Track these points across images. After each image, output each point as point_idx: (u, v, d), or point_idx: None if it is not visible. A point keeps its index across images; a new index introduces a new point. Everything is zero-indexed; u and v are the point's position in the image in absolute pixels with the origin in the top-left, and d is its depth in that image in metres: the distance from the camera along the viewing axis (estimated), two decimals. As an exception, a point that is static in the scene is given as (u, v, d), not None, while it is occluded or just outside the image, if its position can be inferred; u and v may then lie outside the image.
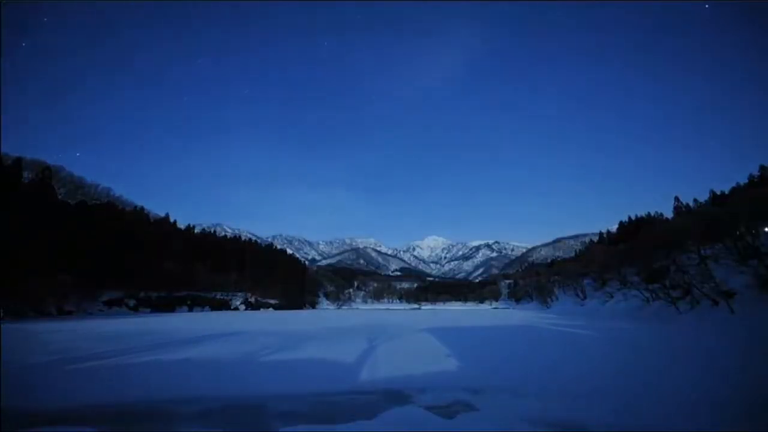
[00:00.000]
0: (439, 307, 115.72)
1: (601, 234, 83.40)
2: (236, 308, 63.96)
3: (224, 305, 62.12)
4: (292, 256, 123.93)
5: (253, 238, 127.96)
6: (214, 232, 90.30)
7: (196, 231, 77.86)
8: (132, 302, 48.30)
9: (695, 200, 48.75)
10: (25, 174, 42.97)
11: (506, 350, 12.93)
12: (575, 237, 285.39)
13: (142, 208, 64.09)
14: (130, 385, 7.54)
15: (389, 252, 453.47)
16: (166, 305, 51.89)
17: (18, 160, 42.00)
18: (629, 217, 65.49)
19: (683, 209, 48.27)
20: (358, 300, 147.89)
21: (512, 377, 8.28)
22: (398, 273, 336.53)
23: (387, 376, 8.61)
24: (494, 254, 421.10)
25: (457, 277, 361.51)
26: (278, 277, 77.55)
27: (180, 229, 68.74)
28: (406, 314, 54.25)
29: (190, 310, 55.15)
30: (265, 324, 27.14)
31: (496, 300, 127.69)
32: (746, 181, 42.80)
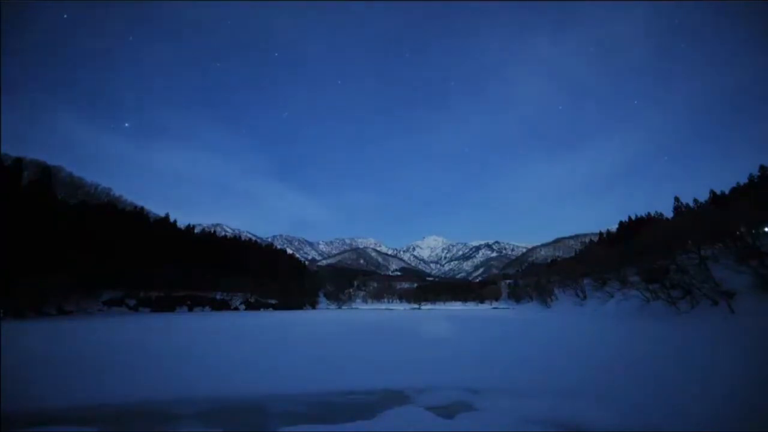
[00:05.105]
0: (440, 307, 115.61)
1: (601, 234, 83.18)
2: (236, 308, 63.91)
3: (224, 305, 62.06)
4: (292, 256, 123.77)
5: (253, 238, 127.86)
6: (214, 232, 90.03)
7: (196, 231, 77.76)
8: (132, 302, 48.29)
9: (695, 200, 48.53)
10: (25, 174, 42.93)
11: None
12: (575, 237, 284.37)
13: (142, 208, 64.03)
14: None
15: (389, 252, 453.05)
16: (166, 305, 51.87)
17: (18, 160, 41.98)
18: (629, 217, 65.28)
19: (683, 209, 48.09)
20: (358, 300, 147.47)
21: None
22: (398, 273, 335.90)
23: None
24: (494, 254, 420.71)
25: (457, 277, 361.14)
26: (278, 277, 77.43)
27: (180, 229, 68.60)
28: (413, 313, 54.64)
29: (190, 310, 55.12)
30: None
31: (497, 300, 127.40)
32: (746, 181, 42.71)
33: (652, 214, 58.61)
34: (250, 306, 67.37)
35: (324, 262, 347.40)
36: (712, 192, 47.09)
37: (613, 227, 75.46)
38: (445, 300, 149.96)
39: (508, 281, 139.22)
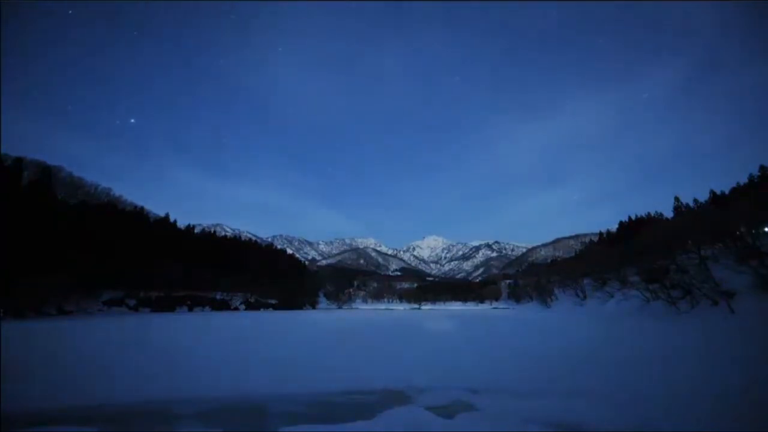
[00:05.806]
0: (440, 307, 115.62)
1: (601, 234, 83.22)
2: (236, 308, 63.88)
3: (224, 305, 62.04)
4: (292, 256, 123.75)
5: (253, 238, 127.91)
6: (214, 232, 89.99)
7: (196, 231, 77.75)
8: (132, 302, 48.29)
9: (695, 200, 48.55)
10: (25, 174, 42.93)
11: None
12: (575, 237, 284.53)
13: (142, 208, 64.02)
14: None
15: (389, 252, 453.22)
16: (166, 305, 51.85)
17: (18, 160, 41.99)
18: (629, 217, 65.31)
19: (683, 209, 48.10)
20: (358, 300, 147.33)
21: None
22: (398, 273, 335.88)
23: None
24: (494, 254, 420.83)
25: (457, 277, 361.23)
26: (278, 277, 77.40)
27: (180, 229, 68.60)
28: (414, 313, 54.83)
29: (190, 310, 55.10)
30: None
31: (497, 300, 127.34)
32: (746, 181, 42.76)
33: (652, 214, 58.63)
34: (250, 306, 67.34)
35: (324, 262, 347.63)
36: (712, 192, 47.13)
37: (613, 227, 75.50)
38: (445, 300, 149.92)
39: (508, 281, 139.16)
